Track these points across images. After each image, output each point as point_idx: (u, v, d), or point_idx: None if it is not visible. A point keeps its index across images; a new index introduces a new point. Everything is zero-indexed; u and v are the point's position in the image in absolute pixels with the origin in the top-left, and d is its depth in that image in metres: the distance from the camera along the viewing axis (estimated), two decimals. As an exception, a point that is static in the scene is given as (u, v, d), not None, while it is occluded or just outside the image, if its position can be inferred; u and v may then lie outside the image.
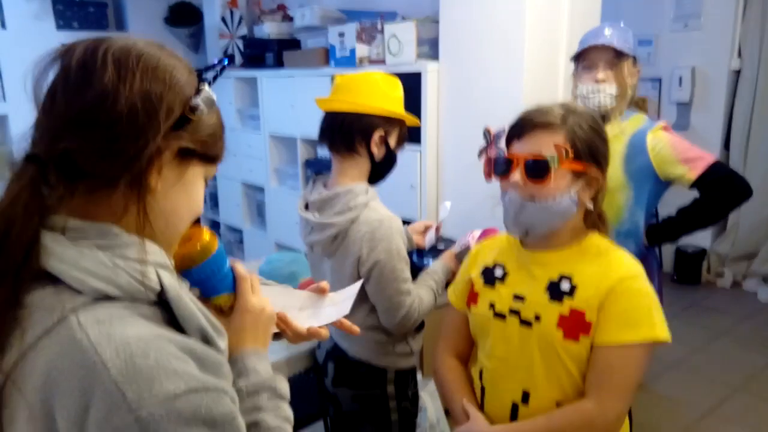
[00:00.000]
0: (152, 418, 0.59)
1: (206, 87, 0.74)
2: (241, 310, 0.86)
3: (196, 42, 4.95)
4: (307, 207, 1.59)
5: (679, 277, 4.47)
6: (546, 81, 2.52)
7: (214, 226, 5.05)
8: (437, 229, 1.86)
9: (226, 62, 0.81)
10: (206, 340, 0.71)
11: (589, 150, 1.18)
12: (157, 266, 0.70)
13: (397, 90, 1.54)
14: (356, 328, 1.05)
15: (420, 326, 1.64)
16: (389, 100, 1.51)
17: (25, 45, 3.69)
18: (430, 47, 2.86)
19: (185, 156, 0.72)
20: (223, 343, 0.75)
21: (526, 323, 1.21)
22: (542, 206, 1.17)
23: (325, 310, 1.04)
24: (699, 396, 3.02)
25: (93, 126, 0.66)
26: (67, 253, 0.65)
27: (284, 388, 0.85)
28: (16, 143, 0.68)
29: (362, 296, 1.51)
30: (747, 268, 4.43)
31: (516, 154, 1.19)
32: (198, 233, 0.83)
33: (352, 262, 1.48)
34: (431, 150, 2.90)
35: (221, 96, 4.38)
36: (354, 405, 1.62)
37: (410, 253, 1.71)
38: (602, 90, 1.85)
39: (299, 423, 2.06)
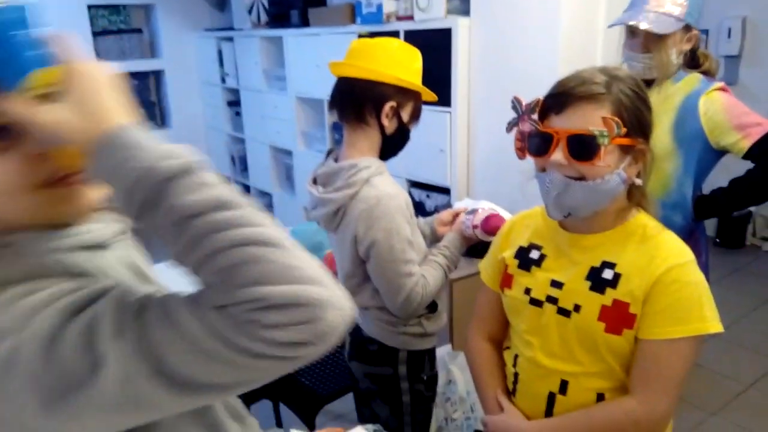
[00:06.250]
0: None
1: None
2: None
3: (221, 0, 4.84)
4: (316, 181, 1.54)
5: (722, 240, 4.29)
6: (584, 38, 2.37)
7: (245, 189, 5.03)
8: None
9: None
10: None
11: (637, 121, 1.06)
12: None
13: (416, 61, 1.45)
14: None
15: (434, 307, 1.55)
16: (405, 69, 1.42)
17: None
18: (461, 2, 2.71)
19: None
20: None
21: (563, 312, 1.13)
22: (588, 187, 1.05)
23: None
24: (741, 367, 2.91)
25: None
26: None
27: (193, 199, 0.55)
28: None
29: (366, 275, 1.46)
30: (795, 231, 4.23)
31: (557, 129, 1.06)
32: None
33: (351, 240, 1.42)
34: (462, 112, 2.78)
35: (246, 56, 4.29)
36: (366, 381, 1.59)
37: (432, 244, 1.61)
38: (644, 60, 1.73)
39: (328, 398, 2.05)
